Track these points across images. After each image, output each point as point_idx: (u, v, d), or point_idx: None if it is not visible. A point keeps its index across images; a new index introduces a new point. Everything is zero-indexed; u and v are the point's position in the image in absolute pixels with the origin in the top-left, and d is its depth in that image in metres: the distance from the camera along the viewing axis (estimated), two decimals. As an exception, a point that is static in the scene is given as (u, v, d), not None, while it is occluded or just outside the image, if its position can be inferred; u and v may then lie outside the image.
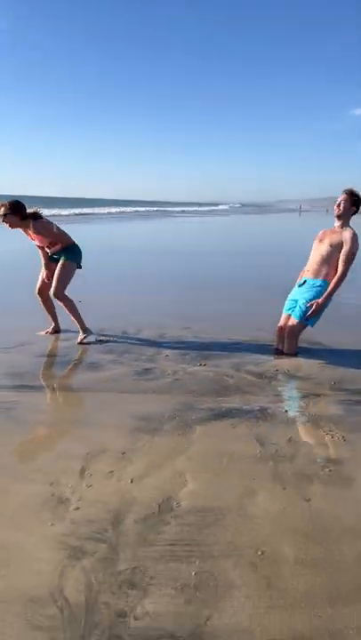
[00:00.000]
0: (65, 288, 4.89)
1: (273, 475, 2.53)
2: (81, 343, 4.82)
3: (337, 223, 4.46)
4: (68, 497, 2.33)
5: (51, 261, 4.98)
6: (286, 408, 3.38)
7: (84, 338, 4.86)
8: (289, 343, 4.57)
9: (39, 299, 5.15)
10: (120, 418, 3.20)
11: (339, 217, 4.42)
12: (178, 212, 62.32)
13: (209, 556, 1.95)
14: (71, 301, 4.93)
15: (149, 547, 1.99)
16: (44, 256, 4.98)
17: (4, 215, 4.67)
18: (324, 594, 1.77)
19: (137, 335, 5.15)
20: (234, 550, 1.98)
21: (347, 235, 4.34)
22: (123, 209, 58.86)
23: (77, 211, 45.10)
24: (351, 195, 4.38)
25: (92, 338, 4.89)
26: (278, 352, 4.63)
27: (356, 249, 4.33)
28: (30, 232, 4.84)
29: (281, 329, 4.67)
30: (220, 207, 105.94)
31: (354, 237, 4.32)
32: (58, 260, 4.93)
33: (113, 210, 53.82)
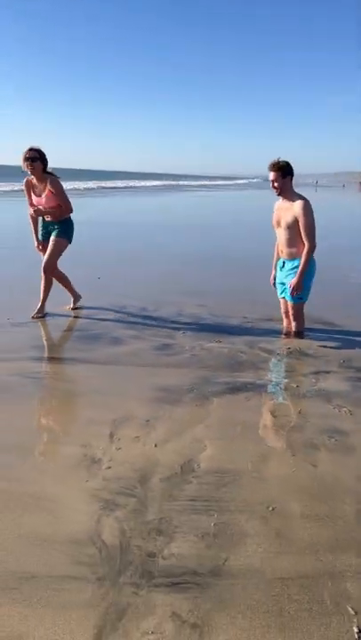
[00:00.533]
0: (56, 263, 5.14)
1: (284, 442, 2.79)
2: (75, 309, 5.40)
3: (283, 199, 4.46)
4: (100, 457, 2.61)
5: (43, 239, 5.18)
6: (297, 384, 3.63)
7: (76, 304, 5.46)
8: (296, 323, 4.75)
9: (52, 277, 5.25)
10: (142, 389, 3.47)
11: (280, 194, 4.44)
12: (197, 185, 61.91)
13: (226, 510, 2.22)
14: (61, 273, 5.25)
15: (173, 501, 2.27)
16: (35, 230, 5.21)
17: (33, 159, 4.77)
18: (326, 543, 2.03)
19: (155, 312, 5.40)
20: (248, 506, 2.25)
21: (298, 208, 4.30)
22: (141, 182, 58.63)
23: (92, 184, 45.04)
24: (278, 168, 4.34)
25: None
26: (288, 332, 4.83)
27: (312, 217, 4.32)
28: (42, 189, 4.91)
29: (285, 312, 4.86)
30: (240, 182, 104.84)
31: (305, 207, 4.29)
32: (49, 235, 5.11)
33: (130, 183, 53.61)
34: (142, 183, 57.13)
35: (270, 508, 2.24)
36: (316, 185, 69.34)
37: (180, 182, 69.69)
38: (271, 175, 4.38)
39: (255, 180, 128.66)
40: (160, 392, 3.41)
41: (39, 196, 4.98)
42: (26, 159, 4.79)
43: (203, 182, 78.40)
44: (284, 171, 4.35)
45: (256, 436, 2.88)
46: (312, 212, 4.35)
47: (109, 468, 2.53)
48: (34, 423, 3.11)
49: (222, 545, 2.01)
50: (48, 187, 4.90)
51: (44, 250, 5.18)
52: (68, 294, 5.45)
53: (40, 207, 4.98)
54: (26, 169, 4.85)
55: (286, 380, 3.69)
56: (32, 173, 4.88)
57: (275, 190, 4.44)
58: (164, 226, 15.38)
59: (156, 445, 2.74)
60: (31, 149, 4.79)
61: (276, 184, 4.38)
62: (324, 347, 4.43)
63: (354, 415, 3.15)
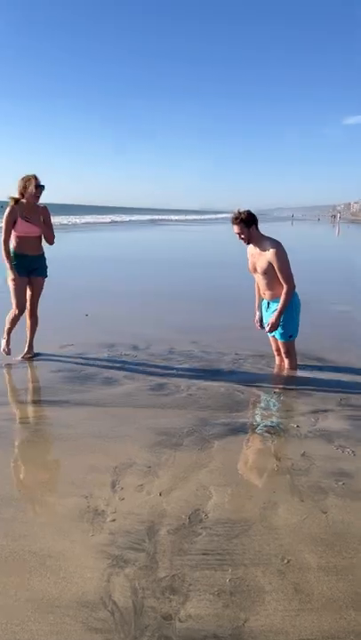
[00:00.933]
0: None
1: (291, 487, 2.73)
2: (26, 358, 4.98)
3: (254, 245, 4.48)
4: (104, 509, 2.51)
5: (20, 274, 4.72)
6: (297, 424, 3.58)
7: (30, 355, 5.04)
8: (288, 361, 4.74)
9: (24, 315, 4.96)
10: (141, 432, 3.39)
11: (250, 243, 4.48)
12: (176, 220, 62.74)
13: (240, 564, 2.14)
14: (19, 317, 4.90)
15: (185, 555, 2.18)
16: (10, 259, 4.72)
17: (43, 186, 4.65)
18: (347, 598, 1.96)
19: (147, 350, 5.34)
20: (261, 559, 2.17)
21: (270, 255, 4.33)
22: (120, 217, 59.25)
23: (74, 218, 45.36)
24: (240, 221, 4.36)
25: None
26: (282, 368, 4.82)
27: (286, 260, 4.34)
28: (37, 218, 4.71)
29: (277, 350, 4.86)
30: (222, 215, 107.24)
31: (277, 252, 4.32)
32: (28, 270, 4.79)
33: (107, 218, 54.02)
34: (121, 217, 57.64)
35: (285, 561, 2.16)
36: (293, 218, 70.91)
37: (157, 217, 70.56)
38: (235, 228, 4.42)
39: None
40: (160, 435, 3.34)
41: (34, 223, 4.73)
42: (39, 186, 4.63)
43: (184, 217, 79.72)
44: (245, 222, 4.37)
45: (261, 481, 2.81)
46: (285, 254, 4.39)
47: (114, 520, 2.43)
48: (31, 473, 3.00)
49: (240, 603, 1.92)
50: (41, 215, 4.77)
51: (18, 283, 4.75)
52: (4, 339, 4.99)
53: (31, 235, 4.75)
54: (33, 196, 4.64)
55: (286, 420, 3.65)
56: (36, 201, 4.69)
57: (243, 241, 4.48)
58: (148, 261, 15.47)
59: (160, 494, 2.65)
60: (34, 178, 4.62)
61: (242, 236, 4.43)
62: (319, 384, 4.42)
63: (357, 456, 3.10)
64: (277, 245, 4.37)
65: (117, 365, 4.81)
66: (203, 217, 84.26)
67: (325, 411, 3.82)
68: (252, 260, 4.57)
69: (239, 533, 2.34)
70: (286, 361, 4.75)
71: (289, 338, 4.62)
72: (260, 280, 4.59)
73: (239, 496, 2.65)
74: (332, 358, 5.15)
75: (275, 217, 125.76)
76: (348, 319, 7.14)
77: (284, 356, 4.75)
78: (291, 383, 4.45)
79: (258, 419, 3.67)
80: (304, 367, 4.80)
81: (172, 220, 60.82)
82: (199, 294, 9.34)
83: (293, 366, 4.75)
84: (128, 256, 17.06)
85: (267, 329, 4.59)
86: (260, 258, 4.44)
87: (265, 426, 3.54)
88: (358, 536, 2.34)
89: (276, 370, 4.80)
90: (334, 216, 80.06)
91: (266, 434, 3.42)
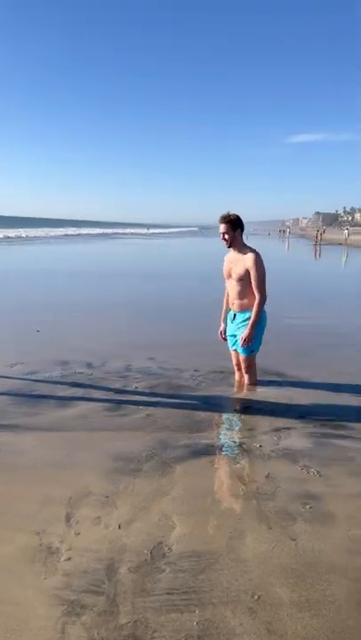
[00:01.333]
0: None
1: (258, 514, 2.60)
2: None
3: (233, 251, 4.46)
4: (58, 547, 2.30)
5: None
6: (260, 443, 3.47)
7: None
8: (248, 376, 4.66)
9: None
10: (98, 458, 3.18)
11: (230, 246, 4.44)
12: (128, 233, 62.57)
13: (208, 603, 1.98)
14: None
15: (148, 597, 2.00)
16: None
17: None
18: (322, 637, 1.83)
19: (102, 367, 5.14)
20: (230, 596, 2.02)
21: (249, 261, 4.32)
22: (72, 230, 58.54)
23: (23, 232, 44.44)
24: (228, 221, 4.35)
25: None
26: (241, 383, 4.73)
27: (263, 270, 4.34)
28: None
29: (237, 365, 4.78)
30: (174, 230, 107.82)
31: (256, 261, 4.31)
32: None
33: (57, 231, 53.23)
34: (72, 230, 56.81)
35: (256, 597, 2.02)
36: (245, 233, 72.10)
37: (109, 230, 70.09)
38: (222, 227, 4.36)
39: (195, 229, 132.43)
40: (117, 461, 3.14)
41: None
42: None
43: (137, 230, 79.76)
44: (233, 224, 4.36)
45: (227, 508, 2.67)
46: (263, 264, 4.36)
47: (69, 559, 2.22)
48: (-24, 506, 2.74)
49: (210, 650, 1.76)
50: None
51: None
52: None
53: None
54: None
55: (248, 440, 3.53)
56: None
57: (225, 242, 4.42)
58: (104, 275, 15.22)
59: (119, 527, 2.46)
60: None
61: (226, 236, 4.38)
62: (280, 399, 4.34)
63: (323, 477, 3.01)
64: (257, 254, 4.35)
65: (71, 385, 4.58)
66: (152, 231, 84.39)
67: (288, 428, 3.73)
68: (229, 265, 4.51)
69: (205, 567, 2.18)
70: (246, 376, 4.66)
71: (251, 353, 4.54)
72: (232, 287, 4.50)
73: (204, 525, 2.50)
74: (290, 373, 5.10)
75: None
76: (302, 333, 7.16)
77: (244, 371, 4.66)
78: (251, 400, 4.35)
79: (220, 439, 3.54)
80: (263, 382, 4.73)
81: (125, 234, 60.52)
82: (154, 307, 9.20)
83: (253, 382, 4.67)
84: (81, 269, 16.74)
85: (240, 343, 4.46)
86: (238, 263, 4.39)
87: (227, 447, 3.41)
88: (329, 565, 2.23)
89: (236, 386, 4.69)
90: (284, 231, 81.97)
91: (229, 455, 3.28)
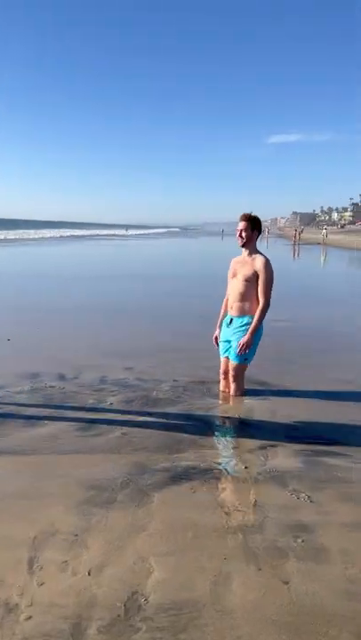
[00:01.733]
0: None
1: (245, 551, 2.32)
2: None
3: (245, 252, 4.33)
4: (17, 602, 1.99)
5: None
6: (245, 464, 3.20)
7: None
8: (235, 386, 4.43)
9: None
10: (67, 487, 2.88)
11: (244, 245, 4.29)
12: (106, 235, 61.94)
13: (190, 671, 1.70)
14: None
15: (120, 666, 1.71)
16: None
17: None
18: None
19: (75, 380, 4.82)
20: (216, 659, 1.75)
21: (259, 264, 4.20)
22: (51, 232, 57.75)
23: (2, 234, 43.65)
24: (249, 220, 4.23)
25: None
26: (226, 395, 4.48)
27: (272, 276, 4.21)
28: None
29: (225, 373, 4.53)
30: (153, 231, 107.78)
31: (266, 265, 4.19)
32: None
33: (25, 234, 52.20)
34: (39, 233, 55.53)
35: (246, 660, 1.75)
36: (223, 233, 72.05)
37: (87, 232, 69.03)
38: (241, 224, 4.22)
39: (176, 230, 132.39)
40: (89, 490, 2.84)
41: None
42: None
43: (116, 231, 79.29)
44: (253, 223, 4.24)
45: (211, 545, 2.38)
46: (273, 270, 4.22)
47: (30, 618, 1.91)
48: None
49: None
50: None
51: None
52: None
53: None
54: None
55: (233, 460, 3.26)
56: None
57: (240, 240, 4.26)
58: (79, 278, 14.85)
59: (89, 573, 2.17)
60: None
61: (243, 234, 4.22)
62: (264, 412, 4.10)
63: (314, 503, 2.76)
64: (268, 259, 4.23)
65: (41, 401, 4.26)
66: (131, 232, 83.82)
67: (274, 446, 3.48)
68: (235, 266, 4.37)
69: (187, 623, 1.90)
70: (233, 386, 4.42)
71: (244, 361, 4.32)
72: (235, 288, 4.31)
73: (185, 568, 2.21)
74: (274, 382, 4.87)
75: (206, 231, 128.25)
76: (286, 336, 6.92)
77: (231, 379, 4.41)
78: (235, 414, 4.09)
79: (202, 460, 3.25)
80: (248, 392, 4.48)
81: (101, 236, 59.79)
82: (130, 311, 8.89)
83: (240, 392, 4.43)
84: (53, 272, 16.33)
85: (237, 349, 4.25)
86: (246, 265, 4.26)
87: (210, 469, 3.13)
88: (326, 612, 1.97)
89: (220, 397, 4.43)
90: (263, 231, 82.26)
91: (212, 479, 3.00)
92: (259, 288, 4.20)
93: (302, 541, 2.41)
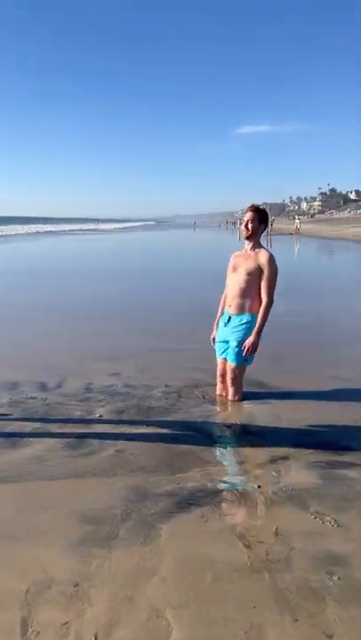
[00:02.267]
0: None
1: (275, 596, 1.99)
2: None
3: (248, 245, 4.06)
4: None
5: None
6: (257, 482, 2.87)
7: None
8: (234, 390, 4.12)
9: None
10: (59, 522, 2.50)
11: (248, 238, 4.02)
12: (79, 230, 60.73)
13: None
14: None
15: None
16: None
17: None
18: None
19: (59, 389, 4.42)
20: None
21: (263, 258, 3.95)
22: (20, 228, 56.46)
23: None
24: (257, 211, 3.99)
25: None
26: (223, 400, 4.15)
27: (276, 272, 3.98)
28: None
29: (222, 376, 4.21)
30: (127, 224, 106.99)
31: (271, 260, 3.94)
32: None
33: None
34: (20, 229, 54.46)
35: None
36: (195, 225, 71.76)
37: (54, 227, 67.37)
38: (248, 215, 3.95)
39: (152, 223, 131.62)
40: (86, 524, 2.47)
41: None
42: None
43: (86, 225, 78.18)
44: (261, 215, 3.98)
45: (234, 589, 2.04)
46: (277, 266, 3.95)
47: None
48: None
49: None
50: None
51: None
52: None
53: None
54: None
55: (243, 478, 2.93)
56: None
57: (245, 231, 3.97)
58: (54, 275, 14.32)
59: (95, 638, 1.81)
60: None
61: (250, 225, 3.93)
62: (267, 418, 3.79)
63: (342, 527, 2.45)
64: (272, 255, 3.97)
65: (22, 415, 3.84)
66: (102, 226, 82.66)
67: (285, 457, 3.17)
68: (236, 260, 4.09)
69: None
70: (231, 390, 4.10)
71: (244, 362, 4.02)
72: (235, 283, 4.02)
73: (208, 622, 1.87)
74: (272, 382, 4.56)
75: (178, 224, 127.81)
76: (279, 330, 6.61)
77: (229, 383, 4.10)
78: (237, 420, 3.76)
79: (208, 480, 2.90)
80: (247, 395, 4.16)
81: (65, 231, 58.36)
82: (110, 309, 8.49)
83: (238, 396, 4.12)
84: (25, 269, 15.76)
85: (234, 351, 3.98)
86: (249, 259, 3.98)
87: (219, 491, 2.79)
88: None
89: (218, 403, 4.11)
90: (234, 222, 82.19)
91: (223, 504, 2.66)
92: (262, 284, 3.93)
93: (338, 579, 2.09)
